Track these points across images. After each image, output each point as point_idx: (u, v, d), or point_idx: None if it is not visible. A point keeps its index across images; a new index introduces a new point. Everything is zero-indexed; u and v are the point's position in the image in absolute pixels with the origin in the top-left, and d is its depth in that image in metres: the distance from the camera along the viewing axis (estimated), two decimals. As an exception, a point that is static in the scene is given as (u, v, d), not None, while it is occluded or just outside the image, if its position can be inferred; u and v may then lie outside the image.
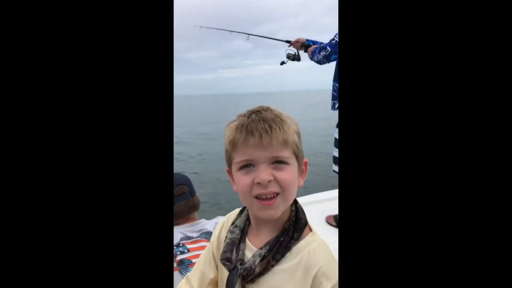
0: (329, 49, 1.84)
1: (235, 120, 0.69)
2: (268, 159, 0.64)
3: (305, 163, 0.72)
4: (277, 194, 0.65)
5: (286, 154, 0.66)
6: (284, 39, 2.19)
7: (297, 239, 0.69)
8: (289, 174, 0.66)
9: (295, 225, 0.70)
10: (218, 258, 0.76)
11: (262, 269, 0.66)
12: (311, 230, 0.73)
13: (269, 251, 0.67)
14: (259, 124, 0.64)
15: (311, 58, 1.99)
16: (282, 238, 0.68)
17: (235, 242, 0.73)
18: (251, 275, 0.66)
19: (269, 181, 0.63)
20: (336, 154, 1.95)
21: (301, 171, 0.71)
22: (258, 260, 0.67)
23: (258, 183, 0.63)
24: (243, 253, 0.71)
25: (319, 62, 1.93)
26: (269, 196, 0.64)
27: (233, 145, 0.66)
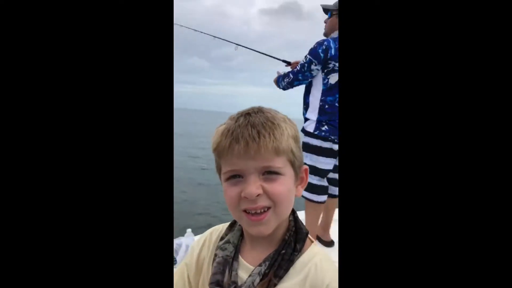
0: (292, 76, 1.98)
1: (223, 124, 0.61)
2: (257, 169, 0.56)
3: (305, 171, 0.64)
4: (268, 208, 0.57)
5: (279, 163, 0.57)
6: (282, 59, 2.26)
7: (300, 250, 0.60)
8: (282, 185, 0.57)
9: (296, 236, 0.62)
10: (197, 284, 0.66)
11: None
12: (311, 241, 0.65)
13: (270, 267, 0.58)
14: (245, 130, 0.56)
15: (277, 86, 2.15)
16: (283, 251, 0.59)
17: (228, 261, 0.62)
18: None
19: (258, 195, 0.55)
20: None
21: (300, 180, 0.63)
22: (257, 280, 0.57)
23: (246, 197, 0.55)
24: (236, 274, 0.60)
25: (284, 88, 2.09)
26: (258, 211, 0.56)
27: (218, 153, 0.58)
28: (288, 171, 0.59)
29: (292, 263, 0.59)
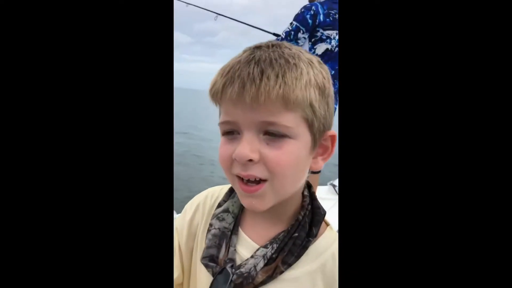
0: None
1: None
2: (255, 124, 0.42)
3: (332, 138, 0.47)
4: (264, 180, 0.43)
5: (287, 120, 0.41)
6: (273, 32, 2.07)
7: (316, 235, 0.48)
8: (287, 154, 0.42)
9: (312, 217, 0.49)
10: (187, 252, 0.54)
11: (267, 277, 0.45)
12: (327, 223, 0.52)
13: (278, 251, 0.46)
14: (246, 67, 0.41)
15: None
16: (296, 234, 0.46)
17: (226, 234, 0.49)
18: (248, 284, 0.44)
19: (251, 160, 0.41)
20: None
21: (322, 149, 0.47)
22: (261, 264, 0.45)
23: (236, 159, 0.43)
24: (235, 250, 0.48)
25: None
26: (251, 180, 0.43)
27: (212, 95, 0.45)
28: (302, 134, 0.43)
29: (305, 250, 0.47)
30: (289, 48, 0.45)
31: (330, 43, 1.78)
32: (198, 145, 8.64)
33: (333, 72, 1.81)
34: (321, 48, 1.78)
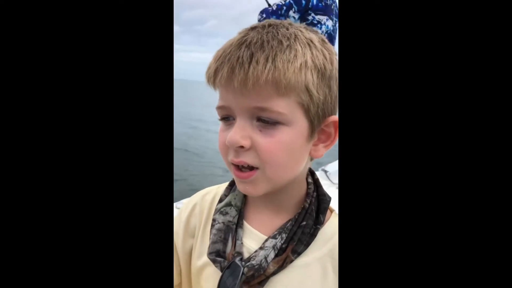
0: (264, 16, 1.75)
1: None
2: (247, 110, 0.40)
3: (334, 124, 0.44)
4: (255, 168, 0.42)
5: (280, 106, 0.40)
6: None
7: (324, 222, 0.47)
8: (278, 142, 0.41)
9: (318, 204, 0.48)
10: (184, 253, 0.53)
11: (277, 268, 0.44)
12: (331, 210, 0.51)
13: (287, 241, 0.45)
14: (237, 51, 0.39)
15: (259, 16, 1.91)
16: (304, 222, 0.46)
17: (231, 228, 0.48)
18: (260, 276, 0.43)
19: (242, 147, 0.40)
20: None
21: (324, 135, 0.45)
22: (272, 255, 0.44)
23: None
24: (241, 244, 0.47)
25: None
26: (244, 166, 0.42)
27: (207, 80, 0.43)
28: (297, 120, 0.41)
29: (314, 238, 0.46)
30: (287, 28, 0.42)
31: (320, 28, 1.76)
32: (185, 134, 8.69)
33: (324, 58, 1.80)
34: None
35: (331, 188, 2.40)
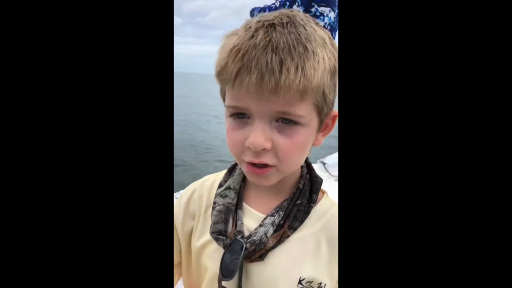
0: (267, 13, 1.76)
1: (235, 33, 0.43)
2: (270, 114, 0.41)
3: (334, 117, 0.48)
4: (272, 165, 0.45)
5: (301, 110, 0.41)
6: None
7: (316, 201, 0.52)
8: (296, 142, 0.43)
9: (311, 185, 0.52)
10: (184, 234, 0.56)
11: (276, 242, 0.48)
12: (323, 191, 0.56)
13: (284, 217, 0.49)
14: (263, 55, 0.38)
15: (250, 15, 1.89)
16: (298, 201, 0.50)
17: (231, 209, 0.51)
18: (260, 250, 0.47)
19: (264, 149, 0.42)
20: None
21: (324, 126, 0.48)
22: (271, 230, 0.48)
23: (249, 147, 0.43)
24: (242, 223, 0.51)
25: None
26: (261, 164, 0.45)
27: (221, 76, 0.42)
28: (312, 120, 0.44)
29: (308, 215, 0.51)
30: (304, 26, 0.42)
31: (323, 20, 1.74)
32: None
33: (325, 50, 1.79)
34: None
35: (329, 180, 2.42)
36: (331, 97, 0.45)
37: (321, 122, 0.46)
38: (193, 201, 0.57)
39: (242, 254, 0.46)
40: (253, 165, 0.45)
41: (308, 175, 0.53)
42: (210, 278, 0.51)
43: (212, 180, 0.59)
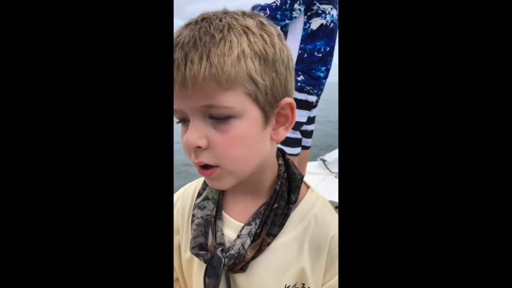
0: (268, 12, 1.71)
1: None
2: (197, 110, 0.40)
3: (289, 105, 0.45)
4: (216, 166, 0.43)
5: (227, 100, 0.39)
6: None
7: (296, 201, 0.48)
8: (233, 137, 0.41)
9: (289, 184, 0.49)
10: (174, 251, 0.55)
11: (256, 252, 0.46)
12: (307, 186, 0.53)
13: (261, 225, 0.46)
14: (175, 53, 0.38)
15: None
16: (275, 205, 0.47)
17: (210, 221, 0.49)
18: (240, 263, 0.45)
19: (199, 147, 0.41)
20: None
21: (282, 118, 0.45)
22: (248, 242, 0.46)
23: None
24: (222, 234, 0.49)
25: None
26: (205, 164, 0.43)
27: None
28: (248, 111, 0.41)
29: (287, 218, 0.47)
30: (220, 19, 0.41)
31: (325, 18, 1.74)
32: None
33: (328, 48, 1.79)
34: (316, 23, 1.73)
35: (329, 177, 2.43)
36: (267, 83, 0.41)
37: (264, 111, 0.42)
38: (177, 212, 0.56)
39: (221, 270, 0.45)
40: (202, 167, 0.44)
41: (285, 174, 0.49)
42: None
43: (194, 188, 0.57)
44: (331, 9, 1.74)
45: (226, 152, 0.42)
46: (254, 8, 1.85)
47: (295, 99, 1.83)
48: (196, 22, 0.41)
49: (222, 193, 0.53)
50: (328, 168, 2.55)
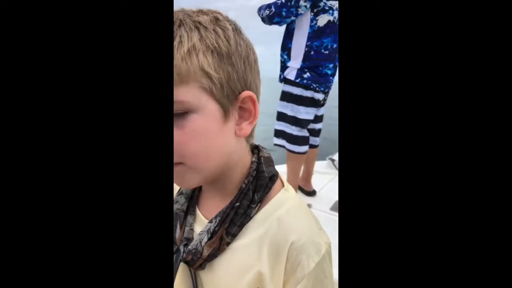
0: (273, 10, 1.71)
1: None
2: None
3: (250, 99, 0.44)
4: (179, 162, 0.42)
5: (180, 95, 0.38)
6: None
7: (261, 201, 0.46)
8: (190, 132, 0.40)
9: (255, 183, 0.47)
10: None
11: (214, 250, 0.45)
12: (283, 185, 0.50)
13: (220, 223, 0.45)
14: None
15: (258, 13, 1.87)
16: (237, 203, 0.45)
17: (179, 215, 0.49)
18: (198, 260, 0.45)
19: None
20: (278, 127, 1.92)
21: (245, 113, 0.44)
22: (205, 238, 0.45)
23: None
24: (191, 229, 0.49)
25: (263, 20, 1.81)
26: None
27: None
28: (205, 105, 0.40)
29: (249, 218, 0.46)
30: (177, 12, 0.42)
31: (332, 14, 1.71)
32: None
33: (335, 45, 1.76)
34: (323, 19, 1.70)
35: (338, 178, 2.40)
36: (222, 77, 0.41)
37: (222, 106, 0.42)
38: None
39: (177, 264, 0.46)
40: None
41: (255, 172, 0.47)
42: None
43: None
44: (338, 5, 1.71)
45: (185, 148, 0.41)
46: (260, 8, 1.85)
47: (301, 97, 1.82)
48: (186, 15, 0.42)
49: (198, 190, 0.53)
50: (336, 168, 2.51)
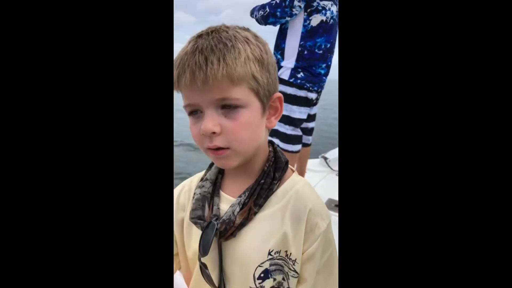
0: (268, 10, 1.73)
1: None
2: (212, 102, 0.50)
3: (279, 99, 0.57)
4: (227, 148, 0.52)
5: (236, 94, 0.50)
6: None
7: (280, 179, 0.59)
8: (242, 123, 0.51)
9: (275, 165, 0.60)
10: (177, 224, 0.65)
11: (243, 219, 0.55)
12: (292, 170, 0.64)
13: (249, 196, 0.56)
14: (192, 57, 0.49)
15: (251, 14, 1.89)
16: (262, 181, 0.58)
17: (207, 197, 0.60)
18: (231, 228, 0.55)
19: (214, 133, 0.51)
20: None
21: (273, 109, 0.57)
22: (237, 209, 0.56)
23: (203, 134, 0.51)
24: (218, 208, 0.59)
25: (257, 21, 1.84)
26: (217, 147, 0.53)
27: (175, 85, 0.52)
28: (252, 102, 0.52)
29: (272, 192, 0.58)
30: (226, 31, 0.52)
31: (325, 14, 1.73)
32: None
33: (328, 45, 1.77)
34: (316, 19, 1.72)
35: (330, 175, 2.42)
36: (265, 81, 0.53)
37: (263, 103, 0.54)
38: (183, 194, 0.67)
39: (213, 234, 0.54)
40: (214, 150, 0.53)
41: (273, 158, 0.60)
42: (194, 256, 0.60)
43: (199, 176, 0.68)
44: (331, 5, 1.73)
45: (236, 135, 0.52)
46: (253, 10, 1.85)
47: (295, 96, 1.83)
48: (207, 33, 0.52)
49: (221, 176, 0.64)
50: (329, 166, 2.54)
